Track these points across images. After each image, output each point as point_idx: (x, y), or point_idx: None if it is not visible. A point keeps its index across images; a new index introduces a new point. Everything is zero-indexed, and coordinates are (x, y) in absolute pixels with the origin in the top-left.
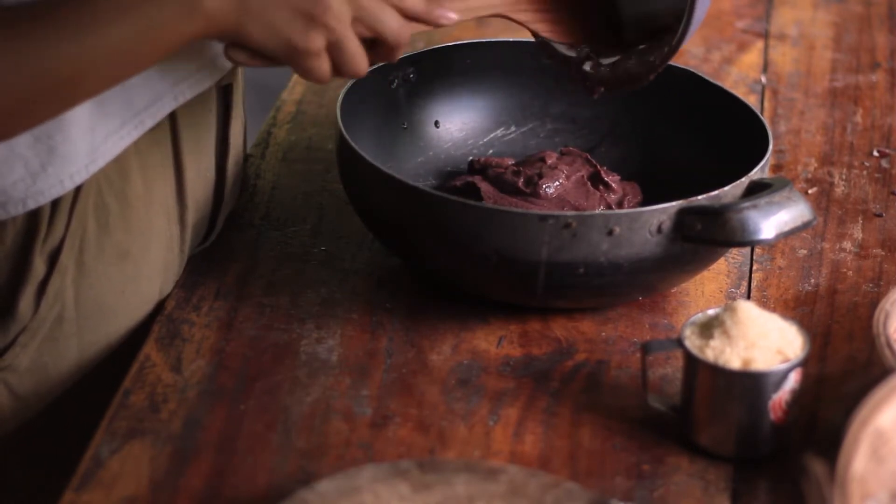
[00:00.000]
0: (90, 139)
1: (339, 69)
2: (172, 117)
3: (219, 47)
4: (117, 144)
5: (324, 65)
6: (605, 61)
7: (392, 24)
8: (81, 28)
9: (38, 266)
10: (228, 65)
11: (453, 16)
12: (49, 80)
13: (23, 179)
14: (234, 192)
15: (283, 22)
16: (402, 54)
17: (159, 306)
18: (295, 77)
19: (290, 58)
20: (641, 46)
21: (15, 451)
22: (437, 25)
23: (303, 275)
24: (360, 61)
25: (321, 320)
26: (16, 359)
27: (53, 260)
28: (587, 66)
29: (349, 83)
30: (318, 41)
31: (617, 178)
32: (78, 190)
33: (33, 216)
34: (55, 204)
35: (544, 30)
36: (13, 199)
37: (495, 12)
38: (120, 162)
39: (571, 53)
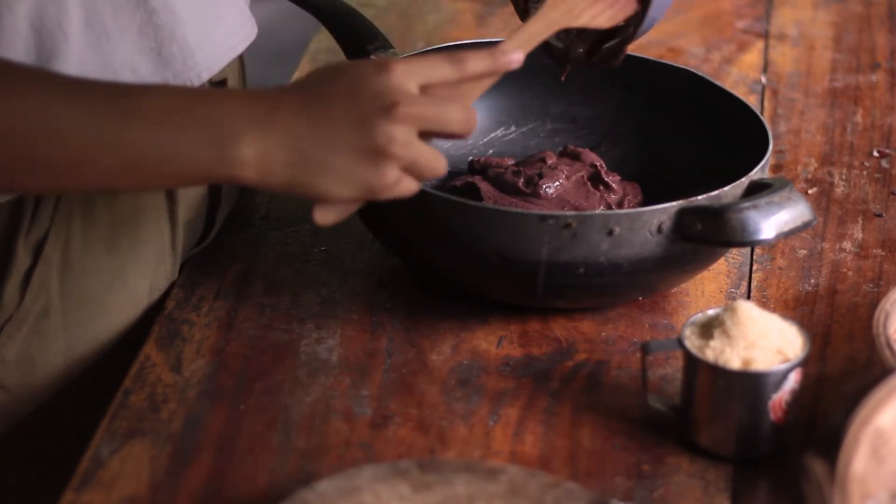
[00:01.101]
0: None
1: (420, 178)
2: None
3: (198, 49)
4: None
5: (407, 185)
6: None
7: (458, 119)
8: (108, 115)
9: (23, 256)
10: (223, 63)
11: (518, 56)
12: (50, 149)
13: None
14: (233, 192)
15: (351, 165)
16: (473, 129)
17: (154, 305)
18: (295, 77)
19: (373, 196)
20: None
21: (10, 450)
22: (507, 70)
23: (303, 275)
24: (438, 165)
25: (321, 320)
26: (2, 349)
27: (38, 250)
28: (567, 49)
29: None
30: (391, 174)
31: (617, 177)
32: None
33: (16, 206)
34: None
35: (605, 21)
36: None
37: (558, 28)
38: None
39: (559, 44)
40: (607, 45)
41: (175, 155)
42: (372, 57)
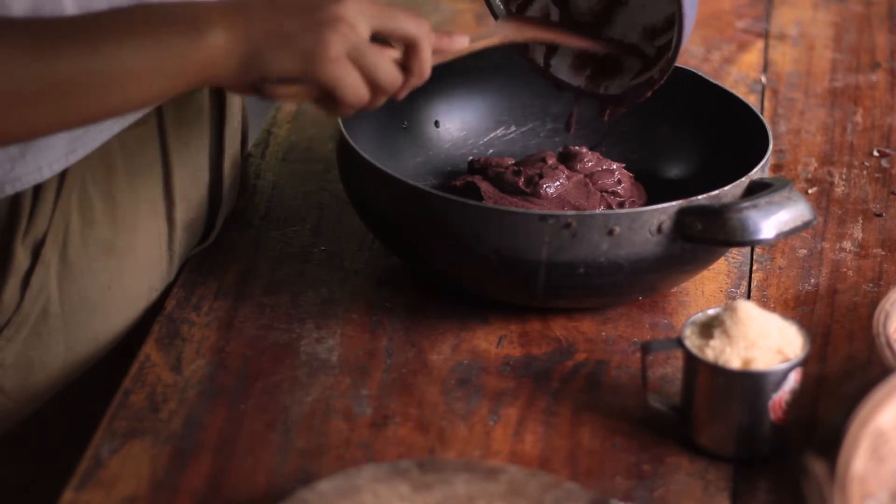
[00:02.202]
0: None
1: (371, 81)
2: (159, 114)
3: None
4: (97, 137)
5: (354, 77)
6: (605, 84)
7: (385, 75)
8: (86, 42)
9: (21, 258)
10: None
11: (464, 41)
12: (46, 85)
13: (1, 164)
14: (233, 193)
15: (296, 35)
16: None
17: (152, 305)
18: None
19: (318, 71)
20: (641, 64)
21: (10, 450)
22: (450, 54)
23: (303, 275)
24: (387, 66)
25: (321, 320)
26: (1, 352)
27: (37, 253)
28: (593, 88)
29: None
30: (336, 45)
31: (630, 175)
32: (62, 183)
33: (14, 206)
34: (37, 195)
35: (547, 37)
36: None
37: (506, 39)
38: (105, 158)
39: (574, 82)
40: (639, 80)
41: (159, 57)
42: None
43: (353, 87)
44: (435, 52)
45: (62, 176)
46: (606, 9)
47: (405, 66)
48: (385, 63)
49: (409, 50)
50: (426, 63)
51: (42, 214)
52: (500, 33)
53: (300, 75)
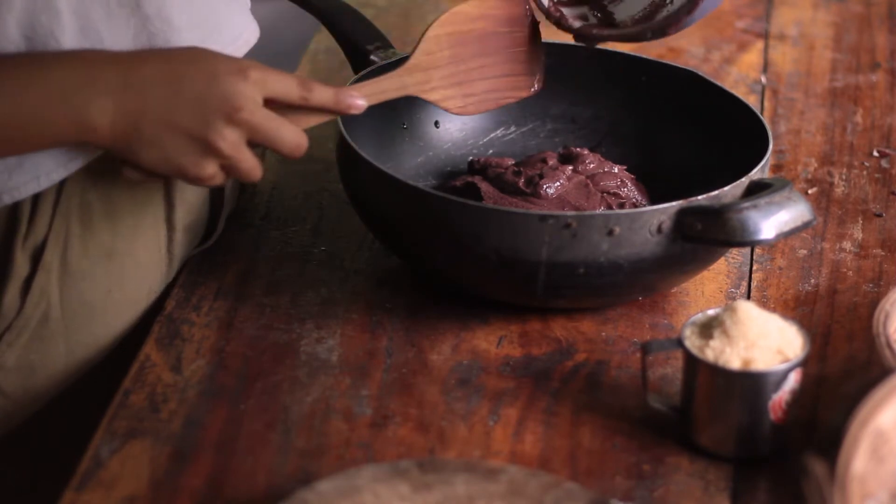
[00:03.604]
0: None
1: (232, 176)
2: None
3: None
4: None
5: (217, 180)
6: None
7: (288, 140)
8: None
9: (21, 263)
10: None
11: (362, 102)
12: None
13: None
14: (234, 194)
15: (176, 150)
16: (301, 155)
17: (152, 307)
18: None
19: (184, 179)
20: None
21: (11, 450)
22: (347, 113)
23: (303, 275)
24: (253, 171)
25: (321, 320)
26: (1, 357)
27: (37, 258)
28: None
29: (351, 79)
30: (210, 168)
31: (632, 177)
32: (61, 189)
33: (13, 213)
34: (36, 201)
35: (455, 108)
36: None
37: (407, 93)
38: (105, 162)
39: (578, 23)
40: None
41: (33, 124)
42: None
43: (210, 186)
44: (334, 112)
45: (62, 181)
46: None
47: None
48: (252, 171)
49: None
50: (297, 157)
51: (42, 220)
52: (400, 89)
53: (168, 176)
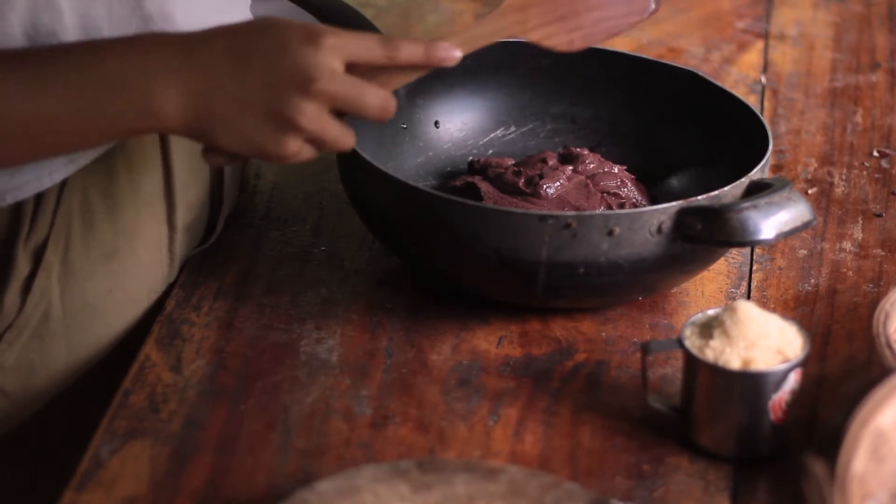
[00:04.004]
0: None
1: (322, 149)
2: None
3: None
4: (98, 147)
5: (305, 155)
6: None
7: (374, 104)
8: (35, 85)
9: (22, 263)
10: None
11: (457, 53)
12: None
13: (0, 175)
14: (233, 194)
15: (253, 129)
16: (391, 117)
17: (153, 307)
18: None
19: (267, 159)
20: None
21: (11, 450)
22: (441, 66)
23: (303, 275)
24: (343, 140)
25: (321, 320)
26: (1, 356)
27: (38, 257)
28: None
29: None
30: (292, 145)
31: (632, 177)
32: (62, 188)
33: (15, 212)
34: (38, 201)
35: (560, 44)
36: None
37: (505, 36)
38: (106, 162)
39: None
40: None
41: (95, 116)
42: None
43: (301, 162)
44: (427, 66)
45: (63, 180)
46: None
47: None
48: (342, 140)
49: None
50: (386, 120)
51: (43, 219)
52: (497, 33)
53: (250, 157)
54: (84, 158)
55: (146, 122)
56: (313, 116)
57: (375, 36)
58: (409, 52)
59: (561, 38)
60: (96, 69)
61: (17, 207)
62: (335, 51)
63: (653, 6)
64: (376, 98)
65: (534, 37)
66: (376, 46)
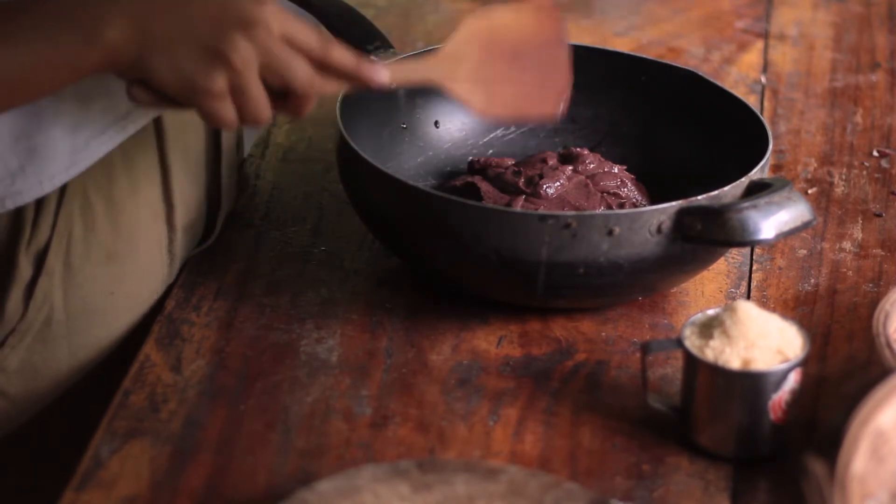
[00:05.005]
0: (71, 142)
1: (240, 114)
2: (157, 118)
3: None
4: (99, 149)
5: (226, 109)
6: None
7: (301, 75)
8: None
9: (24, 267)
10: None
11: (386, 77)
12: None
13: (1, 179)
14: (231, 194)
15: (187, 58)
16: (309, 109)
17: (153, 308)
18: None
19: (192, 98)
20: None
21: (11, 451)
22: (366, 83)
23: (303, 275)
24: (262, 109)
25: (321, 320)
26: (4, 360)
27: (40, 261)
28: None
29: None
30: (220, 82)
31: (632, 177)
32: (63, 191)
33: (16, 217)
34: (39, 205)
35: (477, 106)
36: None
37: (432, 81)
38: (106, 164)
39: None
40: None
41: (47, 51)
42: (372, 57)
43: (220, 120)
44: (353, 79)
45: (64, 184)
46: None
47: (280, 101)
48: (261, 106)
49: (292, 101)
50: (303, 113)
51: (45, 223)
52: (426, 74)
53: (177, 96)
54: (84, 163)
55: (93, 52)
56: (245, 60)
57: (316, 28)
58: (341, 56)
59: (479, 98)
60: (48, 2)
61: (19, 212)
62: (277, 15)
63: (561, 109)
64: (304, 73)
65: (457, 90)
66: (314, 35)
